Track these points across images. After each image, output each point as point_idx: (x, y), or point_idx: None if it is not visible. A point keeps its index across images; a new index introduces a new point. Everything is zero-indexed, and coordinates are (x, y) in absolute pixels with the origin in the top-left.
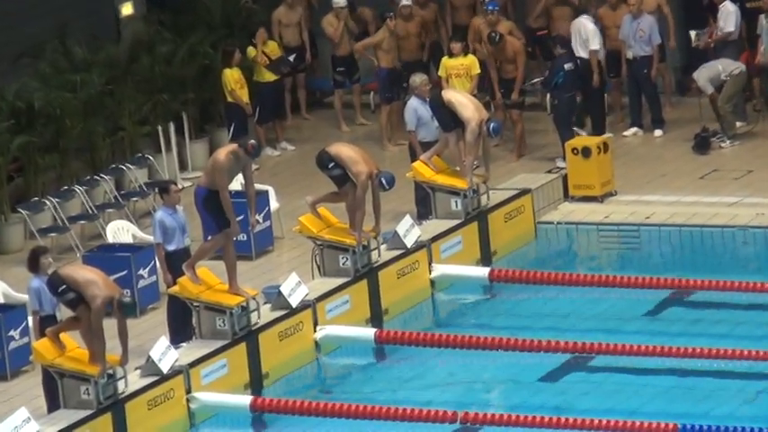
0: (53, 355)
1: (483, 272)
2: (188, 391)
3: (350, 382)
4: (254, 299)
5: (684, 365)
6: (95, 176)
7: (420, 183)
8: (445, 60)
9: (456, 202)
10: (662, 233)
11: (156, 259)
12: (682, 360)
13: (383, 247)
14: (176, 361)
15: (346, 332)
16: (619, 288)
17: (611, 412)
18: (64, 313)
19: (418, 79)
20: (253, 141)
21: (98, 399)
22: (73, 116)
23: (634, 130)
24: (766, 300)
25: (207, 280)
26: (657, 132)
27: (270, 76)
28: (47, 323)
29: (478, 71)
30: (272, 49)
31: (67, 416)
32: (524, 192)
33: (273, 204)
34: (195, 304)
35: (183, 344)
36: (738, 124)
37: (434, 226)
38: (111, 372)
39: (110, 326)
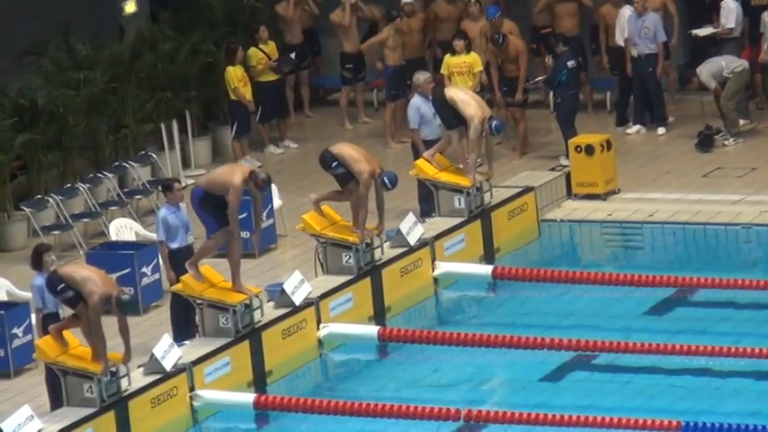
0: (56, 352)
1: (486, 269)
2: (191, 389)
3: (353, 379)
4: (257, 296)
5: (687, 363)
6: (98, 174)
7: (423, 180)
8: (448, 58)
9: (459, 199)
10: (665, 231)
11: (159, 257)
12: (685, 358)
13: (386, 244)
14: (179, 359)
15: (349, 330)
16: (622, 286)
17: (614, 410)
18: (67, 311)
19: (422, 77)
20: (264, 176)
21: (101, 396)
22: (76, 114)
23: (637, 127)
24: None
25: (210, 278)
26: (661, 130)
27: (270, 76)
28: (50, 321)
29: (481, 68)
30: (272, 49)
31: (71, 413)
32: (528, 189)
33: (276, 202)
34: (198, 302)
35: (187, 342)
36: (741, 122)
37: (438, 224)
38: (114, 369)
39: (112, 323)
